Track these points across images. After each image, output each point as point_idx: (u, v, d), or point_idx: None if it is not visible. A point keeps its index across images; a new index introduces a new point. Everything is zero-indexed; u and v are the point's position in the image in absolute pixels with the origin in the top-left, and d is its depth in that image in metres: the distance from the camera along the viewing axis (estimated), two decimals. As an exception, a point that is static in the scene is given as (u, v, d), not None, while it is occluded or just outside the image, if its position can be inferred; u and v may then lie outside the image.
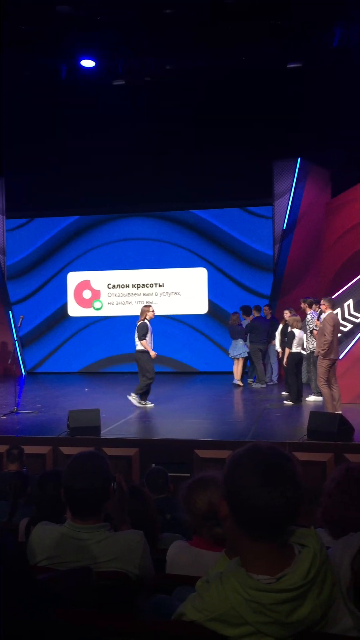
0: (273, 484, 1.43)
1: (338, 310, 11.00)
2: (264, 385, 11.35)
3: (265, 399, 10.05)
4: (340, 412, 7.65)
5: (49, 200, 14.14)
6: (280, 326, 10.68)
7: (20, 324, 10.22)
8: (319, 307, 10.07)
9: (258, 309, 11.58)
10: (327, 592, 1.45)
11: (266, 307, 11.98)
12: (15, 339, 13.41)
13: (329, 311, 8.63)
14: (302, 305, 9.97)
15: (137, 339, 9.55)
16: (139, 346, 9.50)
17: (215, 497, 2.39)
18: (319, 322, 9.37)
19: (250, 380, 11.90)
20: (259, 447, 1.51)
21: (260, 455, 1.48)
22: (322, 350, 8.34)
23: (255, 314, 11.51)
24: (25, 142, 13.23)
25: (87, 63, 11.52)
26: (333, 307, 8.76)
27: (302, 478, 1.49)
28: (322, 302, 8.86)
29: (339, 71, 11.08)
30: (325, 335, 8.34)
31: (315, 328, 9.52)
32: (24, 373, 14.51)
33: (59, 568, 2.14)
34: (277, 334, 10.82)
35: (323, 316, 8.69)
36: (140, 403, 9.39)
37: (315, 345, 9.57)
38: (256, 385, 11.39)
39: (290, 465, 1.48)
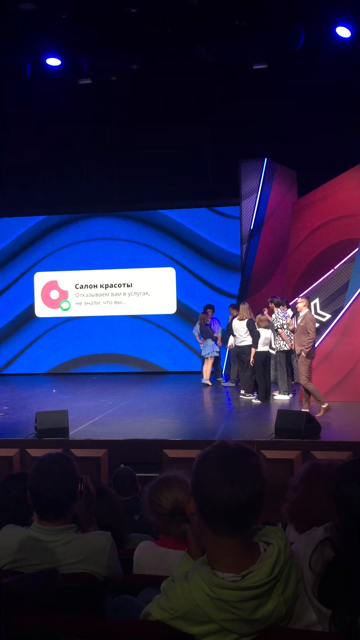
0: (235, 479, 1.45)
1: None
2: (234, 384, 11.40)
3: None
4: (307, 410, 7.74)
5: (15, 199, 13.97)
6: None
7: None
8: (287, 307, 10.19)
9: (235, 307, 11.55)
10: (292, 589, 1.48)
11: (231, 307, 11.99)
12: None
13: (306, 310, 8.67)
14: (270, 304, 10.05)
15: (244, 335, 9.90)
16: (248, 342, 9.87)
17: (181, 495, 2.40)
18: (292, 321, 9.43)
19: (219, 379, 11.94)
20: (225, 444, 1.54)
21: (225, 451, 1.51)
22: (307, 348, 8.34)
23: (234, 312, 11.51)
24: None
25: (53, 61, 11.42)
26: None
27: (267, 475, 1.51)
28: (299, 300, 8.88)
29: (304, 72, 11.21)
30: (308, 333, 8.35)
31: (280, 327, 9.60)
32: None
33: (24, 571, 2.13)
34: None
35: (302, 314, 8.67)
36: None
37: (282, 344, 9.67)
38: (227, 383, 11.44)
39: (253, 462, 1.50)
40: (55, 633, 1.42)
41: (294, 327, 9.03)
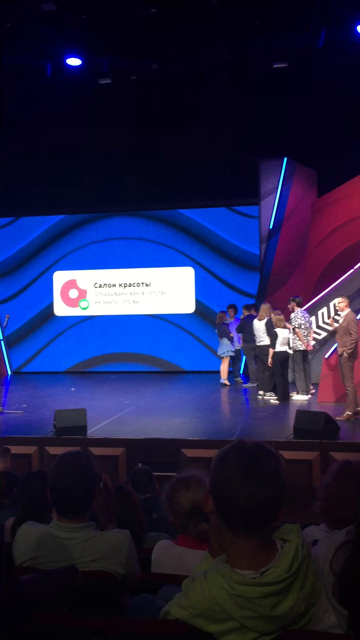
0: (253, 479, 1.45)
1: (324, 310, 11.07)
2: (255, 384, 11.34)
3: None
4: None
5: (34, 199, 14.08)
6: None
7: (7, 323, 10.17)
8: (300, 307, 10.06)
9: (248, 307, 11.56)
10: (310, 586, 1.48)
11: (245, 307, 11.94)
12: (1, 338, 13.37)
13: (347, 310, 8.36)
14: (291, 304, 9.97)
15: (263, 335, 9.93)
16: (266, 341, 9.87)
17: (199, 495, 2.40)
18: (332, 321, 9.07)
19: (237, 379, 11.92)
20: (244, 443, 1.54)
21: (243, 450, 1.51)
22: (349, 349, 8.04)
23: (246, 312, 11.51)
24: (10, 141, 13.17)
25: (73, 61, 11.48)
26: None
27: (286, 475, 1.51)
28: (340, 300, 8.56)
29: (325, 71, 11.14)
30: (351, 334, 8.05)
31: (297, 326, 9.52)
32: (9, 373, 14.44)
33: (43, 568, 2.14)
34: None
35: (343, 314, 8.38)
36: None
37: (299, 344, 9.58)
38: (247, 385, 11.38)
39: (273, 462, 1.50)
40: (75, 632, 1.43)
41: (335, 328, 8.60)
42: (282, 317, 9.81)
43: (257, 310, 11.60)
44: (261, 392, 10.01)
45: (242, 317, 11.59)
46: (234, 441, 1.55)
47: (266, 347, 9.91)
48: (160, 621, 1.45)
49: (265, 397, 9.83)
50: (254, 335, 10.39)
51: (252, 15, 10.09)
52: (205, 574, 1.48)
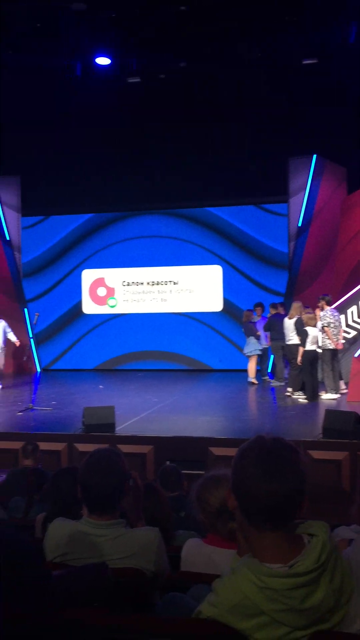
0: (273, 475, 1.44)
1: (354, 309, 10.95)
2: (282, 383, 11.29)
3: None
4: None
5: (63, 198, 14.20)
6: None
7: (36, 321, 10.27)
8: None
9: (275, 306, 11.52)
10: (339, 580, 1.47)
11: (271, 306, 11.86)
12: (31, 336, 13.51)
13: None
14: (320, 302, 9.89)
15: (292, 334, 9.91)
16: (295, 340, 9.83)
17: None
18: None
19: (265, 377, 11.87)
20: (262, 438, 1.53)
21: (263, 446, 1.51)
22: None
23: (273, 311, 11.46)
24: (40, 141, 13.31)
25: (102, 61, 11.54)
26: None
27: (307, 470, 1.50)
28: None
29: (356, 67, 11.00)
30: None
31: (326, 325, 9.44)
32: (39, 370, 14.59)
33: (74, 564, 2.16)
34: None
35: None
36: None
37: (328, 343, 9.50)
38: (275, 383, 11.33)
39: (293, 457, 1.49)
40: (106, 628, 1.43)
41: None
42: (312, 315, 9.74)
43: (284, 308, 11.55)
44: (290, 391, 9.95)
45: (269, 315, 11.54)
46: (253, 437, 1.55)
47: (295, 345, 9.85)
48: (191, 620, 1.45)
49: (293, 396, 9.77)
50: (282, 333, 10.34)
51: (282, 11, 10.00)
52: (233, 570, 1.48)
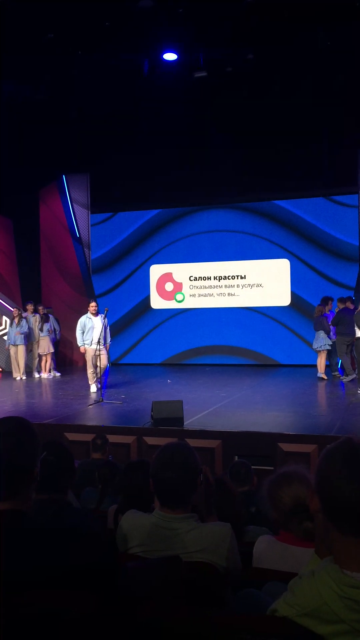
0: None
1: None
2: (350, 379, 11.05)
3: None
4: None
5: (131, 194, 14.36)
6: None
7: (105, 315, 10.45)
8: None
9: (343, 300, 11.29)
10: None
11: (339, 300, 11.59)
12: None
13: None
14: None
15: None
16: None
17: (301, 491, 2.36)
18: None
19: (335, 373, 11.63)
20: (351, 440, 1.50)
21: (352, 448, 1.48)
22: None
23: (341, 305, 11.23)
24: (108, 138, 13.50)
25: (170, 56, 11.56)
26: None
27: None
28: None
29: None
30: None
31: None
32: (108, 364, 14.84)
33: (146, 556, 2.18)
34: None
35: None
36: None
37: None
38: (345, 379, 11.10)
39: None
40: (181, 622, 1.44)
41: None
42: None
43: (353, 302, 11.29)
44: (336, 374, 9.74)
45: (336, 310, 11.30)
46: (342, 438, 1.52)
47: None
48: (267, 618, 1.44)
49: None
50: (351, 327, 10.10)
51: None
52: (313, 573, 1.45)
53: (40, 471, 1.84)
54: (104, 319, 10.36)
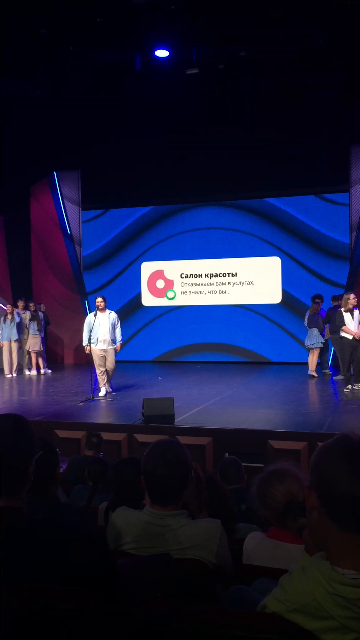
0: None
1: None
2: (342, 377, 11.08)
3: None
4: None
5: (122, 191, 14.34)
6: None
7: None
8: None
9: (336, 298, 11.33)
10: None
11: (333, 298, 11.63)
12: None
13: None
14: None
15: None
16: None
17: (294, 488, 2.36)
18: None
19: (325, 370, 11.68)
20: (349, 437, 1.50)
21: (349, 444, 1.48)
22: None
23: (333, 303, 11.27)
24: (99, 135, 13.47)
25: (161, 53, 11.54)
26: None
27: None
28: None
29: None
30: None
31: None
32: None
33: (136, 553, 2.18)
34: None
35: None
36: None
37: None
38: (337, 377, 11.14)
39: None
40: (174, 618, 1.44)
41: None
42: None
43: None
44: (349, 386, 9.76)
45: (329, 308, 11.36)
46: (338, 435, 1.52)
47: None
48: (257, 614, 1.44)
49: (354, 389, 9.57)
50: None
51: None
52: (303, 569, 1.45)
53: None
54: (111, 315, 9.74)
